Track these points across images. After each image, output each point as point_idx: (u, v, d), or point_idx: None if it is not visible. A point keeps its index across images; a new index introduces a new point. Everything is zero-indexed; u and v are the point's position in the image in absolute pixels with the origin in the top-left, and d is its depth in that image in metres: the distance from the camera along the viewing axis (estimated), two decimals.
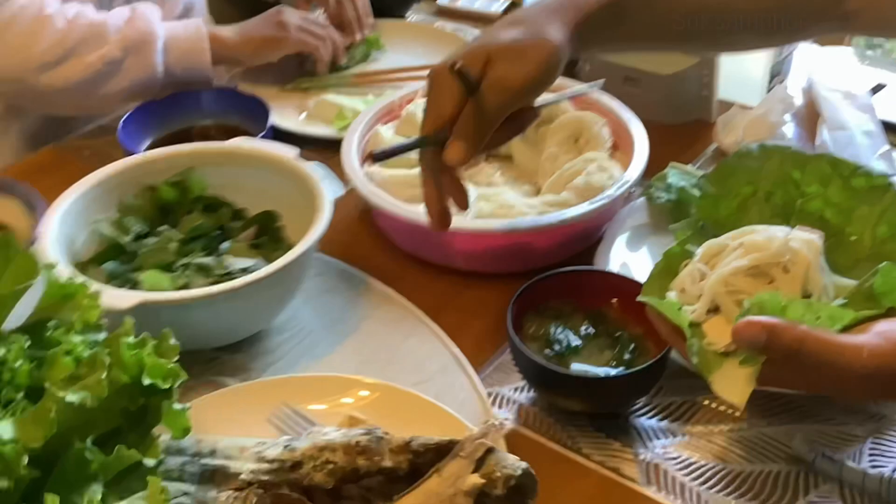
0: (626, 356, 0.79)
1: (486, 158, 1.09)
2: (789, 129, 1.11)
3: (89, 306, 0.65)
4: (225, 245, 0.89)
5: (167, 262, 0.86)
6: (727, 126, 1.12)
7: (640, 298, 0.68)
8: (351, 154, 1.01)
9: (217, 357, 0.86)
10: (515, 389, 0.83)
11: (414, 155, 1.03)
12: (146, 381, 0.61)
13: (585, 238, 0.96)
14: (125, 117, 1.13)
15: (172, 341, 0.65)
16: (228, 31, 1.21)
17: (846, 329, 0.61)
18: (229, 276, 0.83)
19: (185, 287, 0.84)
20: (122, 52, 1.13)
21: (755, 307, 0.61)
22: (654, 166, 1.01)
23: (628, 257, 0.94)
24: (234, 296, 0.79)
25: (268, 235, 0.93)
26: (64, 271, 0.76)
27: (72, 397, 0.57)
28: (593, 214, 0.92)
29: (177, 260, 0.87)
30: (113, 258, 0.88)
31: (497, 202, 0.97)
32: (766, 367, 0.61)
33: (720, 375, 0.63)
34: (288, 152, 0.94)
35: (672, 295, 0.67)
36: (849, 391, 0.64)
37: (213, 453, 0.67)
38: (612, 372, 0.77)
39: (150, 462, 0.61)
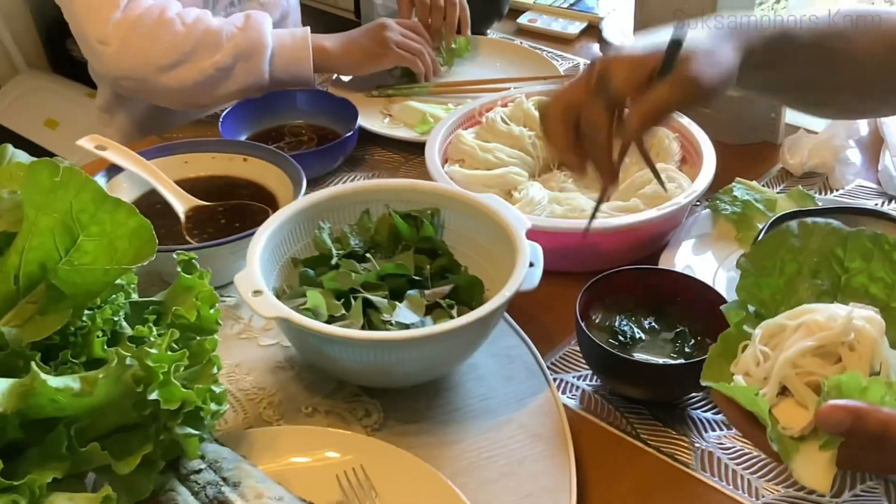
0: (687, 349, 0.84)
1: (559, 166, 1.15)
2: (853, 154, 1.16)
3: (197, 304, 0.72)
4: (411, 292, 0.85)
5: (343, 289, 0.84)
6: (792, 148, 1.17)
7: (704, 383, 0.66)
8: (434, 153, 1.08)
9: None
10: (580, 377, 0.89)
11: (490, 157, 1.10)
12: (152, 396, 0.63)
13: (652, 243, 1.02)
14: (225, 112, 1.22)
15: (214, 370, 0.69)
16: (331, 42, 1.29)
17: None
18: (385, 324, 0.81)
19: (337, 318, 0.82)
20: (232, 59, 1.21)
21: (833, 389, 0.60)
22: (720, 182, 1.06)
23: (692, 261, 0.99)
24: (357, 345, 0.77)
25: (460, 298, 0.86)
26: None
27: (54, 382, 0.61)
28: (660, 220, 0.98)
29: (352, 288, 0.84)
30: (319, 265, 0.88)
31: (569, 205, 1.03)
32: (847, 450, 0.60)
33: (801, 461, 0.61)
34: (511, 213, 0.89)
35: (739, 379, 0.65)
36: None
37: (236, 485, 0.70)
38: (673, 362, 0.83)
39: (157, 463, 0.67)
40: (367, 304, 0.83)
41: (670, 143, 1.10)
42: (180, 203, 1.01)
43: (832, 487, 0.60)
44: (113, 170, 1.03)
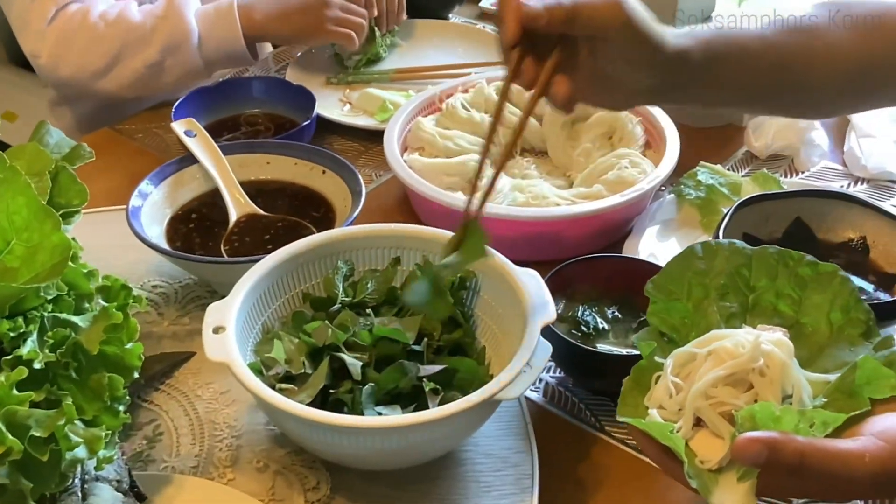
0: None
1: (521, 153, 1.13)
2: (818, 135, 1.14)
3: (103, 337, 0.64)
4: (409, 364, 0.73)
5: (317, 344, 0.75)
6: (757, 130, 1.15)
7: (620, 418, 0.65)
8: (392, 142, 1.06)
9: None
10: (544, 369, 0.87)
11: (451, 144, 1.07)
12: None
13: (616, 229, 1.00)
14: (178, 103, 1.18)
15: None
16: (262, 13, 1.22)
17: (837, 430, 0.61)
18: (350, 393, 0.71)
19: (295, 376, 0.73)
20: (161, 54, 1.18)
21: (747, 420, 0.60)
22: (685, 166, 1.04)
23: (656, 248, 0.98)
24: (272, 412, 0.70)
25: (459, 382, 0.75)
26: None
27: None
28: (623, 206, 0.96)
29: (333, 344, 0.75)
30: (322, 308, 0.80)
31: (531, 193, 1.01)
32: (768, 479, 0.59)
33: (720, 493, 0.60)
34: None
35: (654, 413, 0.64)
36: (855, 496, 0.62)
37: None
38: (636, 352, 0.81)
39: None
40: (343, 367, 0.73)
41: (634, 127, 1.08)
42: (235, 209, 0.96)
43: None
44: (188, 159, 1.00)
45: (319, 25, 1.22)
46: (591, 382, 0.84)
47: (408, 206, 1.08)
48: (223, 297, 0.75)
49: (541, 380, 0.86)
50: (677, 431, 0.62)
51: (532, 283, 0.76)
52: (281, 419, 0.70)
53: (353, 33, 1.24)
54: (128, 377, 0.65)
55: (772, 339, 0.64)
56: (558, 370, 0.86)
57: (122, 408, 0.65)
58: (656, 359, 0.68)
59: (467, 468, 0.75)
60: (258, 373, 0.72)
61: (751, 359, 0.63)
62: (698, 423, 0.63)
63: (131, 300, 0.67)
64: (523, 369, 0.68)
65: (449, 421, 0.65)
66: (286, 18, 1.22)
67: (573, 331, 0.84)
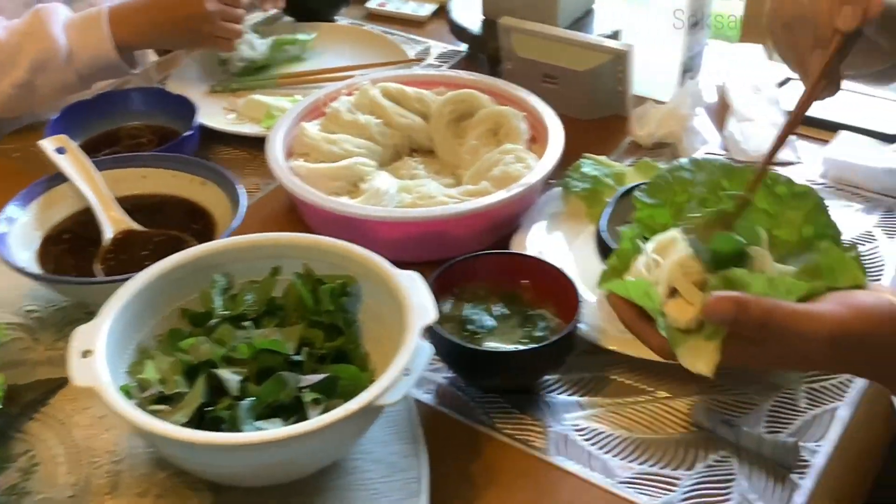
0: (538, 334, 0.82)
1: (409, 153, 1.12)
2: (700, 122, 1.17)
3: None
4: (288, 375, 0.71)
5: (193, 362, 0.73)
6: (641, 119, 1.17)
7: (601, 288, 0.71)
8: (275, 149, 1.04)
9: None
10: (434, 370, 0.86)
11: (335, 148, 1.06)
12: None
13: (503, 225, 1.00)
14: (53, 119, 1.14)
15: None
16: (135, 15, 1.18)
17: (801, 301, 0.65)
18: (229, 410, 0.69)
19: (169, 397, 0.71)
20: (29, 74, 1.14)
21: (719, 285, 0.64)
22: (572, 158, 1.05)
23: (545, 242, 0.98)
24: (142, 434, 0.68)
25: (343, 391, 0.72)
26: None
27: None
28: (510, 202, 0.96)
29: (210, 361, 0.72)
30: (200, 324, 0.77)
31: (418, 193, 1.01)
32: (733, 345, 0.63)
33: (687, 350, 0.65)
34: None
35: (632, 280, 0.69)
36: (814, 360, 0.66)
37: None
38: (522, 348, 0.81)
39: None
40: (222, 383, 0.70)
41: (519, 122, 1.08)
42: (110, 226, 0.92)
43: (715, 373, 0.64)
44: (59, 178, 0.95)
45: (194, 32, 1.19)
46: (481, 381, 0.83)
47: (296, 213, 1.06)
48: None
49: (432, 381, 0.85)
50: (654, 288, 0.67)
51: (412, 285, 0.75)
52: (156, 442, 0.68)
53: (230, 39, 1.22)
54: None
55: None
56: (450, 370, 0.86)
57: None
58: (638, 242, 0.72)
59: (356, 477, 0.73)
60: (131, 396, 0.69)
61: None
62: (672, 294, 0.67)
63: None
64: (403, 373, 0.68)
65: (328, 431, 0.64)
66: (159, 26, 1.19)
67: (461, 330, 0.83)
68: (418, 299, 0.74)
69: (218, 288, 0.78)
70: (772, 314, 0.62)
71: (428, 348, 0.72)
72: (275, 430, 0.64)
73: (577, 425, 0.80)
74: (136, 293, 0.75)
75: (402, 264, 0.84)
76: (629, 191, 0.94)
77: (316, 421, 0.64)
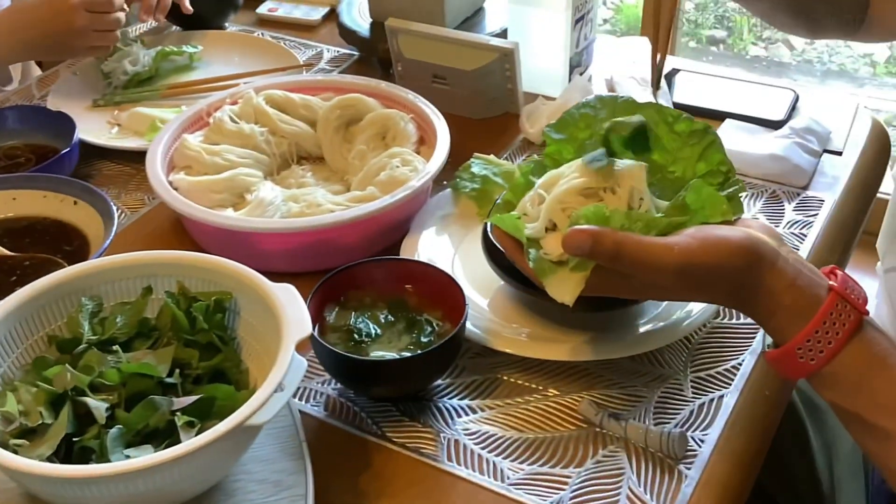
0: (424, 339, 0.81)
1: (298, 161, 1.10)
2: None
3: None
4: (160, 399, 0.68)
5: (57, 391, 0.69)
6: (532, 116, 1.16)
7: (489, 221, 0.79)
8: (156, 164, 1.01)
9: None
10: (323, 382, 0.85)
11: (219, 160, 1.03)
12: None
13: (393, 231, 0.99)
14: None
15: None
16: (1, 34, 1.14)
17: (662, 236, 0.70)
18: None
19: (32, 429, 0.67)
20: None
21: (583, 218, 0.70)
22: (463, 158, 1.04)
23: (435, 244, 0.97)
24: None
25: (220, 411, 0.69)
26: None
27: None
28: (395, 206, 0.95)
29: (77, 388, 0.69)
30: (69, 350, 0.74)
31: (305, 202, 0.99)
32: (596, 276, 0.70)
33: (554, 281, 0.72)
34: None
35: (513, 214, 0.76)
36: (665, 288, 0.71)
37: None
38: (408, 354, 0.80)
39: None
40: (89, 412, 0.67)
41: (406, 125, 1.07)
42: None
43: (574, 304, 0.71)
44: None
45: (67, 47, 1.16)
46: (368, 390, 0.82)
47: (182, 229, 1.03)
48: None
49: (321, 394, 0.84)
50: (532, 231, 0.74)
51: (288, 298, 0.73)
52: (19, 479, 0.65)
53: (107, 46, 1.18)
54: None
55: (627, 163, 0.74)
56: (336, 381, 0.84)
57: None
58: (531, 178, 0.80)
59: (238, 499, 0.71)
60: None
61: (605, 176, 0.73)
62: (554, 228, 0.74)
63: None
64: (277, 390, 0.66)
65: (200, 454, 0.62)
66: (29, 43, 1.15)
67: (347, 340, 0.82)
68: (293, 312, 0.72)
69: (86, 312, 0.75)
70: (623, 245, 0.67)
71: (302, 363, 0.71)
72: (141, 459, 0.61)
73: (468, 429, 0.79)
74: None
75: (292, 275, 0.82)
76: None
77: (185, 445, 0.61)
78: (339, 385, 0.84)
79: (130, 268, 0.78)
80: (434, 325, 0.83)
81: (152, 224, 1.06)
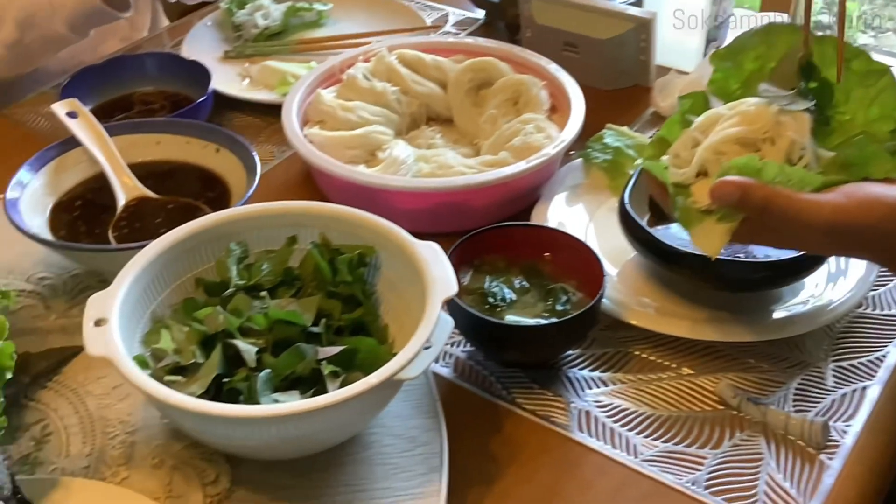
0: (559, 308, 0.80)
1: (427, 122, 1.10)
2: None
3: None
4: (306, 347, 0.69)
5: (209, 332, 0.71)
6: (664, 90, 1.14)
7: (641, 163, 0.78)
8: (292, 117, 1.02)
9: None
10: (453, 344, 0.84)
11: (352, 116, 1.04)
12: None
13: (523, 197, 0.98)
14: (65, 84, 1.11)
15: None
16: None
17: (815, 193, 0.67)
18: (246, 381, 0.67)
19: (185, 367, 0.69)
20: (18, 32, 1.12)
21: (734, 169, 0.68)
22: (593, 129, 1.03)
23: (565, 214, 0.96)
24: (158, 405, 0.67)
25: (361, 363, 0.70)
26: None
27: None
28: (529, 173, 0.94)
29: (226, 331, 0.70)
30: (216, 294, 0.75)
31: (436, 163, 0.99)
32: (741, 226, 0.68)
33: (699, 230, 0.70)
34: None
35: (665, 159, 0.74)
36: (810, 245, 0.70)
37: None
38: (544, 322, 0.79)
39: None
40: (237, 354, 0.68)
41: (539, 91, 1.05)
42: (123, 193, 0.90)
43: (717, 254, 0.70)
44: (70, 143, 0.93)
45: None
46: (500, 355, 0.82)
47: (312, 182, 1.04)
48: None
49: (451, 355, 0.84)
50: (682, 176, 0.72)
51: (433, 256, 0.73)
52: (171, 414, 0.67)
53: None
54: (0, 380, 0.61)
55: (791, 112, 0.70)
56: (467, 343, 0.84)
57: None
58: (688, 117, 0.76)
59: (374, 451, 0.72)
60: (146, 366, 0.68)
61: (765, 126, 0.69)
62: (706, 174, 0.71)
63: None
64: (424, 347, 0.66)
65: (348, 405, 0.62)
66: None
67: (481, 303, 0.81)
68: (439, 271, 0.72)
69: (234, 257, 0.76)
70: (772, 200, 0.66)
71: (449, 322, 0.71)
72: (294, 403, 0.62)
73: (600, 401, 0.79)
74: (150, 261, 0.73)
75: (418, 235, 0.82)
76: None
77: (336, 394, 0.62)
78: (468, 348, 0.84)
79: (277, 216, 0.78)
80: (569, 294, 0.82)
81: (282, 177, 1.07)
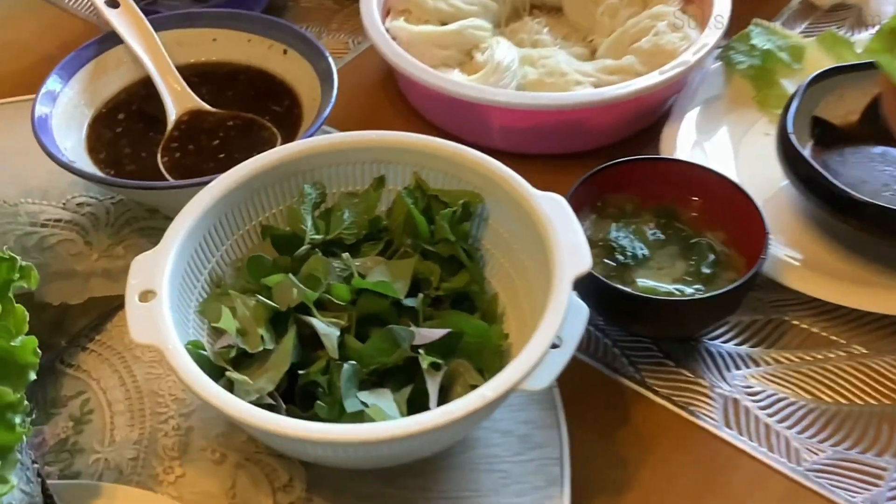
0: (705, 270, 0.65)
1: (530, 11, 0.91)
2: None
3: None
4: (400, 331, 0.56)
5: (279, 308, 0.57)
6: None
7: (870, 58, 0.63)
8: (371, 4, 0.84)
9: None
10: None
11: (443, 5, 0.86)
12: None
13: (650, 113, 0.81)
14: None
15: None
16: None
17: None
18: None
19: (253, 355, 0.56)
20: None
21: None
22: (736, 26, 0.84)
23: (702, 138, 0.79)
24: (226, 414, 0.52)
25: (467, 349, 0.57)
26: None
27: None
28: (664, 87, 0.76)
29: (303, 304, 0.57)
30: (287, 249, 0.61)
31: (545, 67, 0.81)
32: None
33: None
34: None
35: None
36: None
37: None
38: (688, 290, 0.64)
39: None
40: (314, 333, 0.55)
41: None
42: (174, 105, 0.75)
43: None
44: (110, 39, 0.78)
45: None
46: (630, 326, 0.67)
47: (392, 83, 0.88)
48: (166, 218, 0.57)
49: None
50: None
51: (558, 213, 0.57)
52: (246, 427, 0.54)
53: None
54: (21, 380, 0.48)
55: None
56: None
57: (18, 419, 0.48)
58: None
59: (479, 453, 0.59)
60: (202, 349, 0.55)
61: None
62: None
63: (16, 276, 0.49)
64: (553, 343, 0.51)
65: (452, 424, 0.49)
66: None
67: (605, 259, 0.66)
68: (566, 235, 0.56)
69: (308, 203, 0.62)
70: None
71: (583, 310, 0.56)
72: (389, 426, 0.48)
73: (750, 387, 0.64)
74: (206, 210, 0.58)
75: (522, 156, 0.66)
76: (818, 77, 0.73)
77: (443, 414, 0.48)
78: None
79: (359, 150, 0.63)
80: (716, 250, 0.66)
81: (356, 75, 0.90)
